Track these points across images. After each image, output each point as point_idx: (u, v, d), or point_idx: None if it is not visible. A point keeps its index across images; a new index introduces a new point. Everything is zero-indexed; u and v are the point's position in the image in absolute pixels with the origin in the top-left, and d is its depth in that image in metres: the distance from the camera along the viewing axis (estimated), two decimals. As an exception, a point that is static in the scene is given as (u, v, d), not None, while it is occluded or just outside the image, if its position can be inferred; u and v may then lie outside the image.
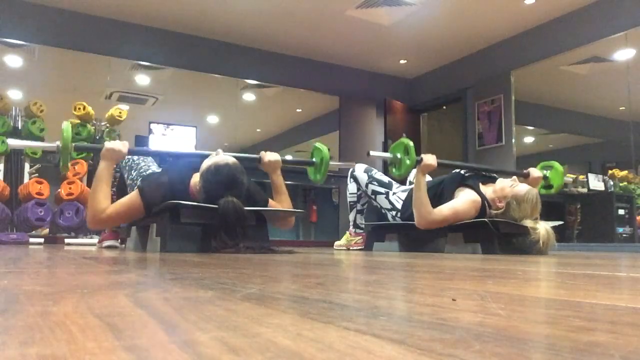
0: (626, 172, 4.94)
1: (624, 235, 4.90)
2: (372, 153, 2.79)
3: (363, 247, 3.28)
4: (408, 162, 2.65)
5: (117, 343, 0.29)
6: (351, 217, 3.36)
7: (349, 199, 3.36)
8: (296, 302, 0.48)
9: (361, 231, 3.34)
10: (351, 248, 3.31)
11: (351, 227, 3.35)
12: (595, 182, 5.10)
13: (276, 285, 0.66)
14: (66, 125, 2.27)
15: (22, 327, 0.34)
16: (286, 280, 0.75)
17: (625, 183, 4.93)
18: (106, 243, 2.85)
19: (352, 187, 3.34)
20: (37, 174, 4.42)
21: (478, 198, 2.55)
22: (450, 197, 2.62)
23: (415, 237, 2.91)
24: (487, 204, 2.55)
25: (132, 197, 2.24)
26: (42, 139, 4.40)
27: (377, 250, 3.03)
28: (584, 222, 5.20)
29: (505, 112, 5.80)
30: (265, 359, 0.25)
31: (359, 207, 3.32)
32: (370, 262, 1.44)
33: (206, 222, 2.12)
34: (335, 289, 0.62)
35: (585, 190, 5.21)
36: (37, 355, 0.26)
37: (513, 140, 5.69)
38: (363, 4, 5.15)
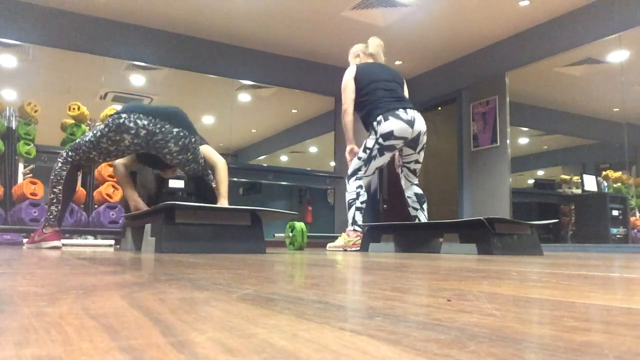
0: (620, 173, 4.96)
1: (618, 236, 4.93)
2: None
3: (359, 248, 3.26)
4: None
5: (112, 344, 0.29)
6: (350, 215, 3.32)
7: (347, 198, 3.33)
8: (292, 303, 0.48)
9: (360, 231, 3.30)
10: (349, 249, 3.25)
11: (349, 225, 3.31)
12: (590, 183, 5.13)
13: (272, 286, 0.66)
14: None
15: (17, 328, 0.34)
16: (282, 281, 0.75)
17: (619, 184, 4.96)
18: (49, 244, 2.71)
19: (350, 185, 3.32)
20: (31, 175, 4.40)
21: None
22: None
23: (411, 238, 2.91)
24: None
25: None
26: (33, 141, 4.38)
27: (373, 251, 3.02)
28: (579, 223, 5.22)
29: (500, 113, 5.82)
30: (261, 359, 0.25)
31: (358, 204, 3.29)
32: (366, 263, 1.44)
33: (201, 223, 2.12)
34: (330, 290, 0.62)
35: (579, 191, 5.23)
36: (32, 356, 0.26)
37: (508, 141, 5.71)
38: (358, 5, 5.16)
